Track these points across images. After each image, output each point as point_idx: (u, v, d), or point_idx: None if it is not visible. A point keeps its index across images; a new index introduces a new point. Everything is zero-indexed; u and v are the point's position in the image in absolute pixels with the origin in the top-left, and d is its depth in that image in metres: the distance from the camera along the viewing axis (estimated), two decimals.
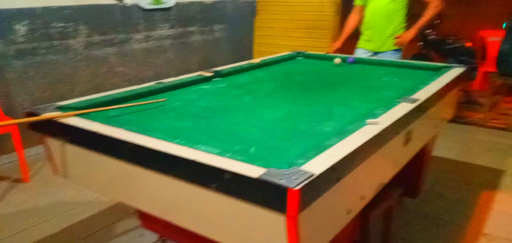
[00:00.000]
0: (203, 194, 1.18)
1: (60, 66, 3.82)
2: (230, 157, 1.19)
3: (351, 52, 3.44)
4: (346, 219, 1.36)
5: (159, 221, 1.60)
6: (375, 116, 1.59)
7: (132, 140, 1.34)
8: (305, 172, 1.07)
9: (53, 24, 3.72)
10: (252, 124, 1.64)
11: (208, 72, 2.43)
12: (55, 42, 3.76)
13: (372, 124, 1.49)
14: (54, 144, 1.65)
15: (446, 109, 2.45)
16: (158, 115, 1.74)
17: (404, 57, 3.53)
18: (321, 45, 4.67)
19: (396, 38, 3.43)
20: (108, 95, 1.93)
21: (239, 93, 2.13)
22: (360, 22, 3.65)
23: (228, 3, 5.45)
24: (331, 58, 3.04)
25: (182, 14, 4.85)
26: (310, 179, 1.04)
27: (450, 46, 4.74)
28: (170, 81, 2.21)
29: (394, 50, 3.47)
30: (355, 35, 3.68)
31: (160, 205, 1.40)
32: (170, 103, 1.91)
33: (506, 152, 3.81)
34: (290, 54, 3.21)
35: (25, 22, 3.53)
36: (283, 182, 1.02)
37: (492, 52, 4.82)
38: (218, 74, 2.45)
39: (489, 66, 4.90)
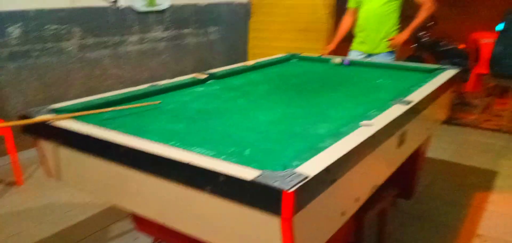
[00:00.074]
0: (198, 196, 1.18)
1: (54, 68, 3.80)
2: (224, 160, 1.19)
3: (345, 54, 3.45)
4: (341, 221, 1.36)
5: (154, 224, 1.60)
6: (369, 117, 1.59)
7: (126, 143, 1.33)
8: (300, 174, 1.07)
9: (47, 27, 3.70)
10: (246, 126, 1.64)
11: (203, 74, 2.43)
12: (49, 45, 3.74)
13: (366, 126, 1.50)
14: (48, 146, 1.64)
15: (439, 110, 2.47)
16: (152, 118, 1.73)
17: (397, 59, 3.55)
18: (316, 47, 4.67)
19: (390, 40, 3.45)
20: (102, 98, 1.92)
21: (233, 96, 2.13)
22: (353, 24, 3.66)
23: (223, 5, 5.44)
24: (325, 60, 3.04)
25: (176, 16, 4.84)
26: (305, 181, 1.05)
27: (444, 48, 4.77)
28: (164, 84, 2.21)
29: (387, 52, 3.48)
30: (349, 37, 3.69)
31: (155, 208, 1.40)
32: (164, 106, 1.91)
33: (499, 153, 3.84)
34: (284, 56, 3.21)
35: (18, 25, 3.51)
36: (277, 184, 1.02)
37: (485, 54, 4.84)
38: (212, 77, 2.45)
39: (482, 68, 4.93)
